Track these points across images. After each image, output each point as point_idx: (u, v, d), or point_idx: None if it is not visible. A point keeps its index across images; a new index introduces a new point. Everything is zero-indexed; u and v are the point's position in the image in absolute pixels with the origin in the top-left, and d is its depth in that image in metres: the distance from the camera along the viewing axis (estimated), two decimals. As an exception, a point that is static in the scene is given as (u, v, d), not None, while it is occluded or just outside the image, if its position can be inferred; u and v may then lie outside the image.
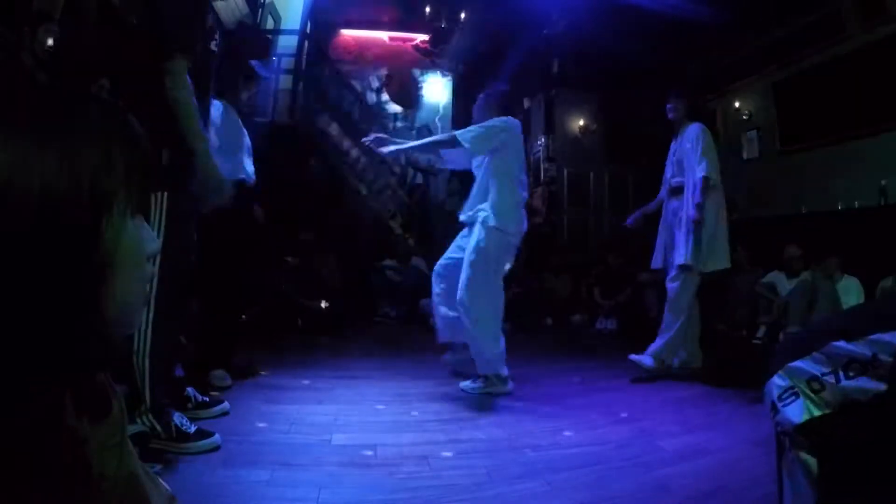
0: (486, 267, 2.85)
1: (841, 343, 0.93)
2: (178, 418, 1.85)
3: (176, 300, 1.92)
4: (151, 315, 1.79)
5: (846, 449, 0.91)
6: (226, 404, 2.30)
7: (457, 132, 2.94)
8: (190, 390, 2.25)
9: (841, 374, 0.92)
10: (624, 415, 2.53)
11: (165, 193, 1.81)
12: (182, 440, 1.81)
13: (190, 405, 2.22)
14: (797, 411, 0.95)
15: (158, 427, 1.80)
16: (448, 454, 1.91)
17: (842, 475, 0.91)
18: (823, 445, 0.93)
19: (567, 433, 2.21)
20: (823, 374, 0.94)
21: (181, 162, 1.87)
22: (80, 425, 0.50)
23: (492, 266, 2.88)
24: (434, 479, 1.70)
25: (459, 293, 2.83)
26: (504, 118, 3.01)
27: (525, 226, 3.01)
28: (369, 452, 1.90)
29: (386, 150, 3.01)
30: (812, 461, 0.93)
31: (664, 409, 2.62)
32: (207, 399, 2.29)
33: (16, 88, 0.49)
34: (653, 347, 3.43)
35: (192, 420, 1.95)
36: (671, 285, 3.51)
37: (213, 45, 2.06)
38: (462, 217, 3.07)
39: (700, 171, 3.42)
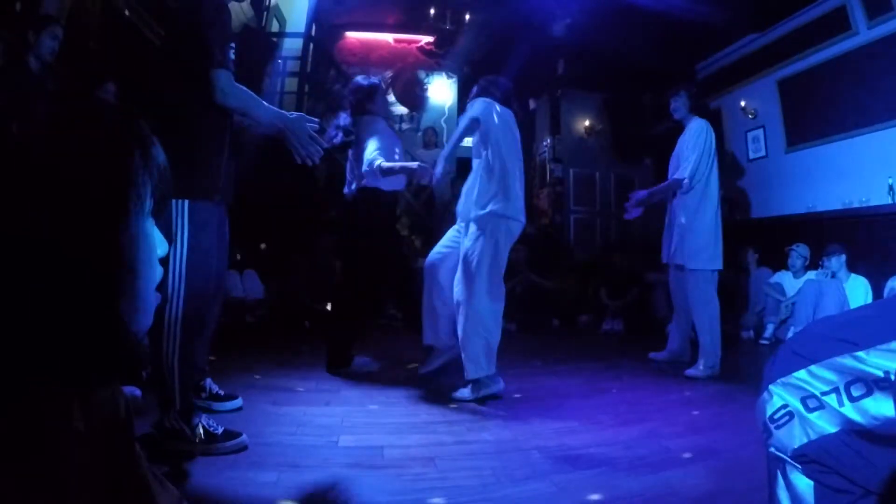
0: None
1: (846, 356, 0.79)
2: (205, 420, 1.86)
3: (202, 305, 1.93)
4: (181, 319, 1.80)
5: (853, 481, 0.78)
6: (239, 400, 2.31)
7: None
8: (207, 381, 2.26)
9: (844, 394, 0.79)
10: (631, 416, 2.52)
11: (186, 201, 1.80)
12: (210, 441, 1.82)
13: (203, 394, 2.23)
14: (793, 434, 0.84)
15: (188, 429, 1.80)
16: (455, 455, 1.91)
17: None
18: (823, 473, 0.80)
19: (574, 434, 2.20)
20: (823, 394, 0.81)
21: (203, 171, 1.86)
22: (87, 428, 0.50)
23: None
24: (441, 480, 1.70)
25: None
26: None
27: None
28: (376, 454, 1.90)
29: (438, 171, 2.83)
30: (808, 487, 0.82)
31: (671, 410, 2.61)
32: (222, 393, 2.30)
33: (28, 94, 0.50)
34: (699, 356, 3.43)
35: (205, 412, 1.96)
36: (687, 285, 3.49)
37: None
38: None
39: (680, 173, 3.44)
